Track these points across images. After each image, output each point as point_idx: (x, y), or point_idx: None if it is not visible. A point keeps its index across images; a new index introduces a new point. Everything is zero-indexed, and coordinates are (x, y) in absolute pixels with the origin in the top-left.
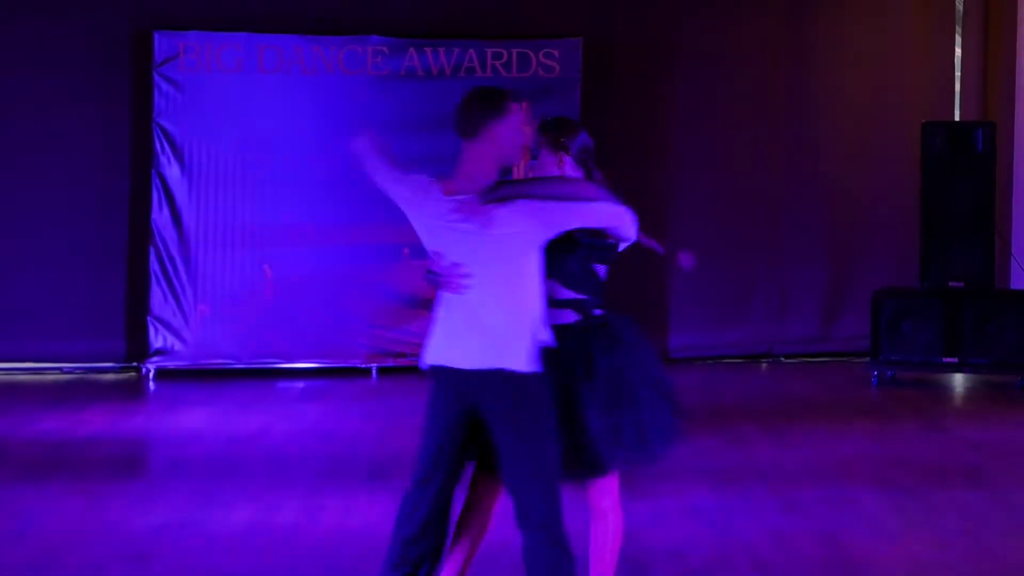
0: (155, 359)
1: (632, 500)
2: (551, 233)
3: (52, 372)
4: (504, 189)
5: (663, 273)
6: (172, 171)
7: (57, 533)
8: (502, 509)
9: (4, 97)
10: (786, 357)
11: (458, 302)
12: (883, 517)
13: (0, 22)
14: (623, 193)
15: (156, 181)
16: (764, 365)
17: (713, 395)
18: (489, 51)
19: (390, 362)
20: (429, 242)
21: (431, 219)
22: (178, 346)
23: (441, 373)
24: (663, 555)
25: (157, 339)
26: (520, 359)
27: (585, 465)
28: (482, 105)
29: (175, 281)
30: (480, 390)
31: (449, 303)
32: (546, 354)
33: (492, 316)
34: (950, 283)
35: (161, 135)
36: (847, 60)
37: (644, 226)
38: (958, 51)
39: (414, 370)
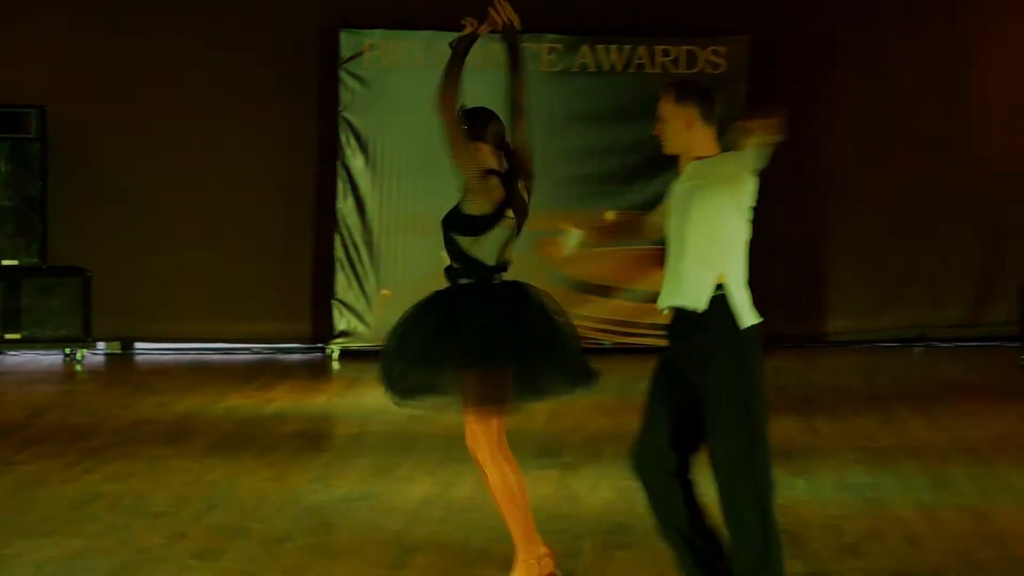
0: (339, 340)
1: (790, 476)
2: None
3: (242, 352)
4: None
5: (822, 261)
6: (356, 162)
7: (245, 503)
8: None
9: (202, 91)
10: (938, 341)
11: None
12: None
13: (201, 22)
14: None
15: (341, 171)
16: (917, 349)
17: (868, 377)
18: (658, 48)
19: None
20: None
21: None
22: (361, 328)
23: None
24: (819, 529)
25: (341, 321)
26: None
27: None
28: None
29: (358, 266)
30: None
31: None
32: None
33: None
34: None
35: (346, 128)
36: (999, 58)
37: (793, 215)
38: None
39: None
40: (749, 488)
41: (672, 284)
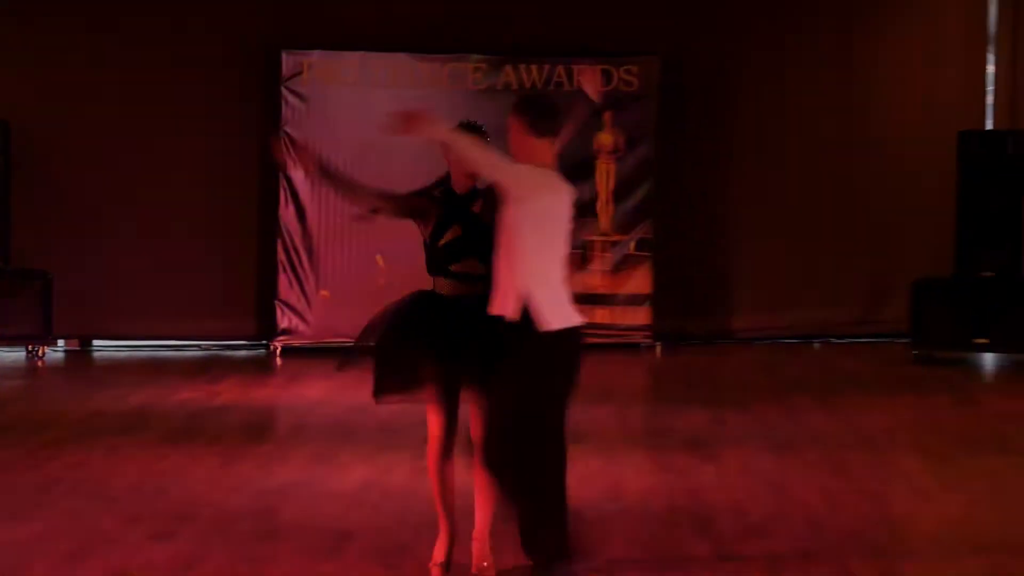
0: (281, 338)
1: (699, 463)
2: None
3: (191, 349)
4: None
5: (729, 264)
6: (297, 173)
7: (195, 489)
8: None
9: (154, 107)
10: (835, 338)
11: None
12: (921, 479)
13: (153, 42)
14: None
15: (283, 182)
16: (816, 345)
17: (771, 371)
18: (575, 67)
19: None
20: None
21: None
22: (302, 326)
23: None
24: (726, 512)
25: (283, 320)
26: None
27: None
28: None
29: (299, 269)
30: None
31: None
32: None
33: None
34: (982, 273)
35: (289, 142)
36: (890, 75)
37: (703, 220)
38: (990, 67)
39: None
40: None
41: None
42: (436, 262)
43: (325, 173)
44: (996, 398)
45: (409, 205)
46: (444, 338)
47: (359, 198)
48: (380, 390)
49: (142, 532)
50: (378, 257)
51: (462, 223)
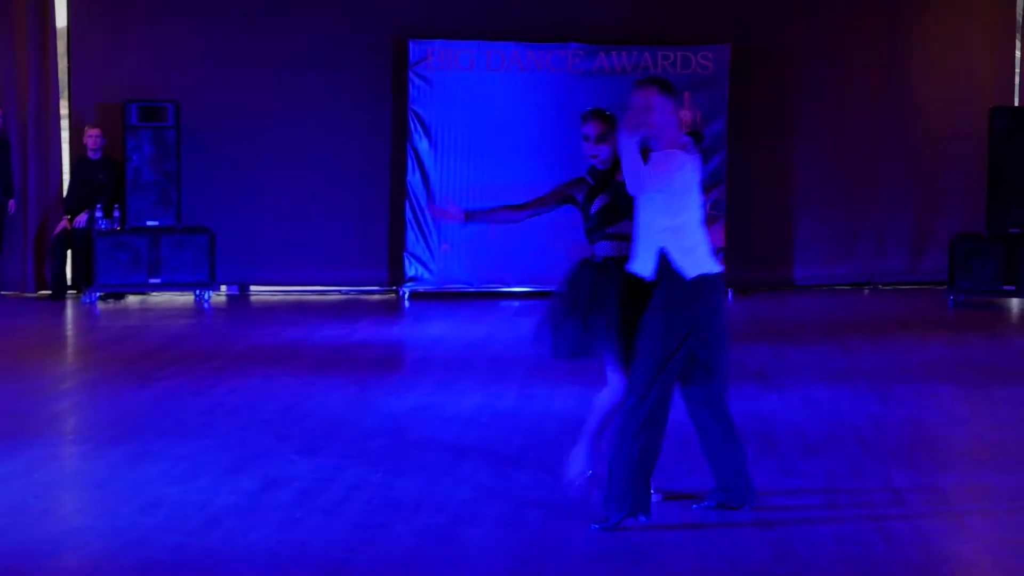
0: (409, 284)
1: (764, 392)
2: None
3: (333, 294)
4: None
5: (791, 222)
6: (423, 145)
7: (337, 411)
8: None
9: (300, 91)
10: (883, 285)
11: None
12: (956, 406)
13: (297, 32)
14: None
15: (410, 152)
16: (866, 291)
17: (827, 313)
18: (660, 53)
19: None
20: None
21: None
22: (426, 275)
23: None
24: (787, 434)
25: (411, 269)
26: None
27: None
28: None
29: (424, 226)
30: None
31: None
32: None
33: None
34: (1010, 229)
35: (414, 118)
36: (932, 60)
37: (768, 185)
38: (1018, 53)
39: None
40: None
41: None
42: (594, 228)
43: (475, 219)
44: (1022, 336)
45: (557, 198)
46: (608, 304)
47: (513, 218)
48: (557, 352)
49: (291, 448)
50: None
51: (608, 191)
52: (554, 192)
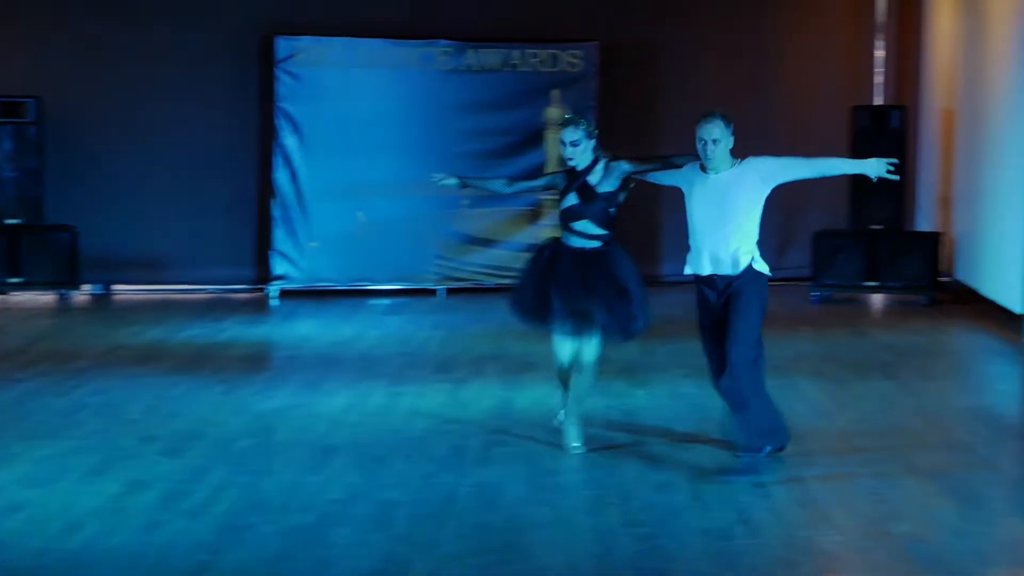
0: (277, 282)
1: (632, 388)
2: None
3: (200, 292)
4: None
5: (659, 215)
6: (291, 142)
7: (202, 411)
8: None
9: (170, 88)
10: None
11: None
12: (819, 400)
13: (164, 27)
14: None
15: (278, 149)
16: None
17: (693, 309)
18: (528, 51)
19: (452, 284)
20: None
21: None
22: (294, 272)
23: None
24: (654, 429)
25: (279, 267)
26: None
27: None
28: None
29: (292, 223)
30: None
31: None
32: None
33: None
34: (871, 226)
35: (283, 115)
36: (794, 56)
37: (636, 181)
38: (878, 52)
39: (473, 291)
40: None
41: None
42: (561, 222)
43: (468, 184)
44: (882, 332)
45: (544, 183)
46: (568, 281)
47: (502, 191)
48: (517, 314)
49: (156, 449)
50: (359, 213)
51: (578, 192)
52: (543, 177)
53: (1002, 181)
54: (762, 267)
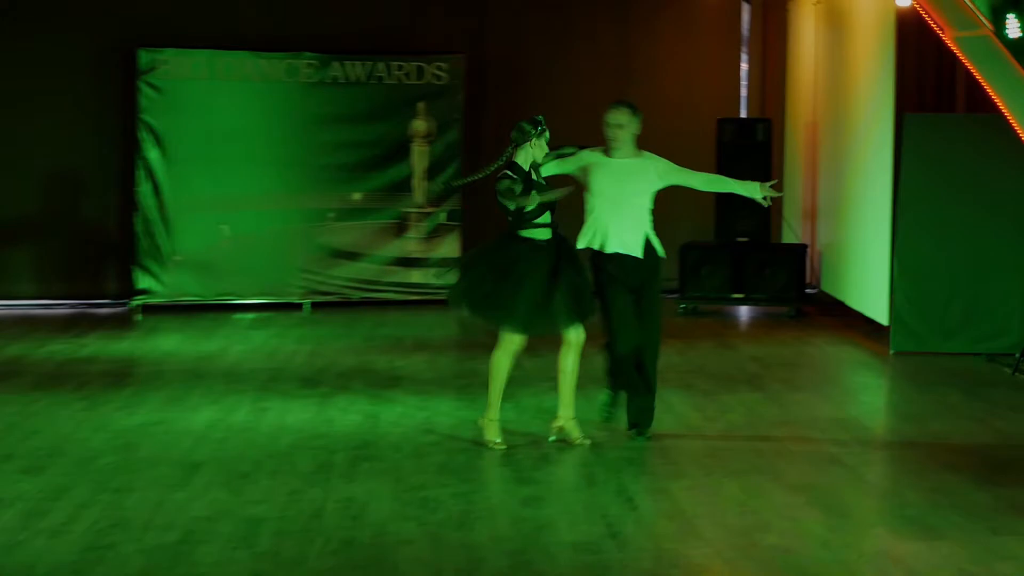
0: (140, 297)
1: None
2: None
3: (61, 307)
4: None
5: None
6: (153, 154)
7: (63, 429)
8: None
9: (24, 98)
10: None
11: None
12: (686, 412)
13: (22, 40)
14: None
15: (140, 163)
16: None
17: None
18: (394, 64)
19: (318, 298)
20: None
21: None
22: (157, 287)
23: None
24: (522, 444)
25: (142, 281)
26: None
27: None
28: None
29: (155, 237)
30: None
31: None
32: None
33: None
34: (737, 238)
35: (145, 127)
36: (660, 72)
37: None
38: (744, 65)
39: (339, 305)
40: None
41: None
42: (527, 218)
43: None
44: (749, 344)
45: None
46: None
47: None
48: (456, 303)
49: (15, 467)
50: (223, 227)
51: (529, 187)
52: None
53: (866, 193)
54: (662, 251)
